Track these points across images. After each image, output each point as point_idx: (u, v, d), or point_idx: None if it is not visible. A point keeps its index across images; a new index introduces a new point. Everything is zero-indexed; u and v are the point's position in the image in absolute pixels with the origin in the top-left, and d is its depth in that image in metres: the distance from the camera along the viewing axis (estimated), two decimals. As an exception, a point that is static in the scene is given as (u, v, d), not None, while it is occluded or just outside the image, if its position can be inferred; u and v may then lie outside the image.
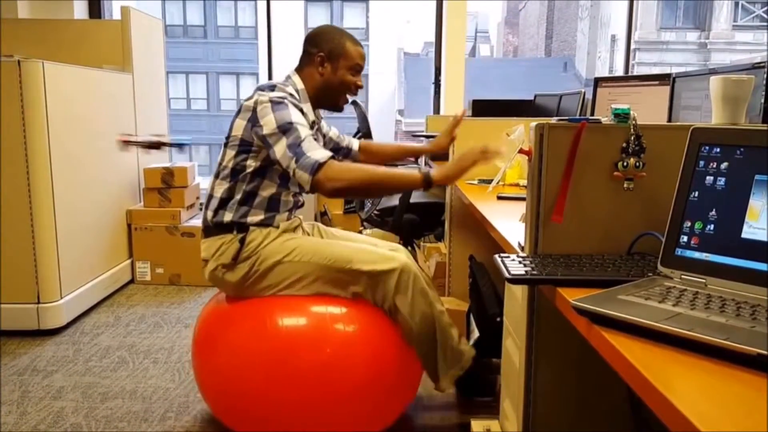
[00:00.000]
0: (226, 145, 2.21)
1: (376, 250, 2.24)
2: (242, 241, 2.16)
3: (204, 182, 5.18)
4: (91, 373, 2.80)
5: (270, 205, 2.20)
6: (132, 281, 4.18)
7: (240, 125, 2.15)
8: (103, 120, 3.77)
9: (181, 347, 3.09)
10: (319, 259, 2.14)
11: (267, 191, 2.19)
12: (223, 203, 2.19)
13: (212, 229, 2.22)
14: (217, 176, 2.23)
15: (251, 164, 2.15)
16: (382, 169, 2.06)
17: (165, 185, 4.13)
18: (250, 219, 2.18)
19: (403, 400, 2.28)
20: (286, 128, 2.05)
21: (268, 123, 2.07)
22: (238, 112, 2.18)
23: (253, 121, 2.11)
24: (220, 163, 2.22)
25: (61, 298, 3.29)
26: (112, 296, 3.89)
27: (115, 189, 3.96)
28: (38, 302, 3.21)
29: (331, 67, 2.26)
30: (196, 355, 2.27)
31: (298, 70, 2.31)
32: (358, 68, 2.29)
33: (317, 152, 2.03)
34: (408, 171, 2.10)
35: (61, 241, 3.28)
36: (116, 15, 5.17)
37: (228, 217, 2.18)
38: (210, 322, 2.27)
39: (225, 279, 2.19)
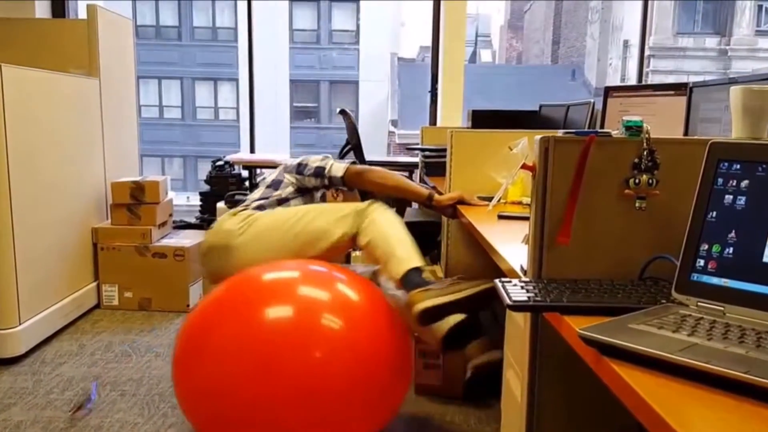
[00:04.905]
0: (254, 185, 2.75)
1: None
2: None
3: (177, 198, 5.15)
4: (52, 407, 2.78)
5: None
6: (98, 306, 4.15)
7: (278, 171, 2.84)
8: (67, 129, 3.77)
9: (151, 378, 3.08)
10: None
11: None
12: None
13: None
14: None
15: (275, 195, 2.74)
16: (399, 174, 2.84)
17: (134, 201, 4.12)
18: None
19: (395, 400, 2.28)
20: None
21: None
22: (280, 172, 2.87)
23: (291, 169, 2.81)
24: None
25: (20, 324, 3.27)
26: (76, 322, 3.87)
27: (79, 205, 3.96)
28: (-7, 329, 3.20)
29: None
30: (176, 367, 2.23)
31: None
32: None
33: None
34: (419, 185, 2.83)
35: (20, 262, 3.27)
36: (82, 14, 5.17)
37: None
38: (190, 331, 2.25)
39: (222, 228, 2.61)
